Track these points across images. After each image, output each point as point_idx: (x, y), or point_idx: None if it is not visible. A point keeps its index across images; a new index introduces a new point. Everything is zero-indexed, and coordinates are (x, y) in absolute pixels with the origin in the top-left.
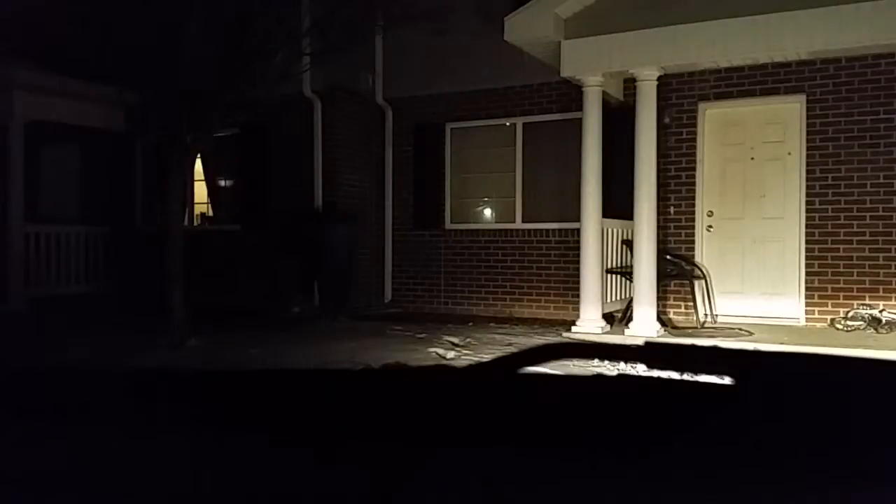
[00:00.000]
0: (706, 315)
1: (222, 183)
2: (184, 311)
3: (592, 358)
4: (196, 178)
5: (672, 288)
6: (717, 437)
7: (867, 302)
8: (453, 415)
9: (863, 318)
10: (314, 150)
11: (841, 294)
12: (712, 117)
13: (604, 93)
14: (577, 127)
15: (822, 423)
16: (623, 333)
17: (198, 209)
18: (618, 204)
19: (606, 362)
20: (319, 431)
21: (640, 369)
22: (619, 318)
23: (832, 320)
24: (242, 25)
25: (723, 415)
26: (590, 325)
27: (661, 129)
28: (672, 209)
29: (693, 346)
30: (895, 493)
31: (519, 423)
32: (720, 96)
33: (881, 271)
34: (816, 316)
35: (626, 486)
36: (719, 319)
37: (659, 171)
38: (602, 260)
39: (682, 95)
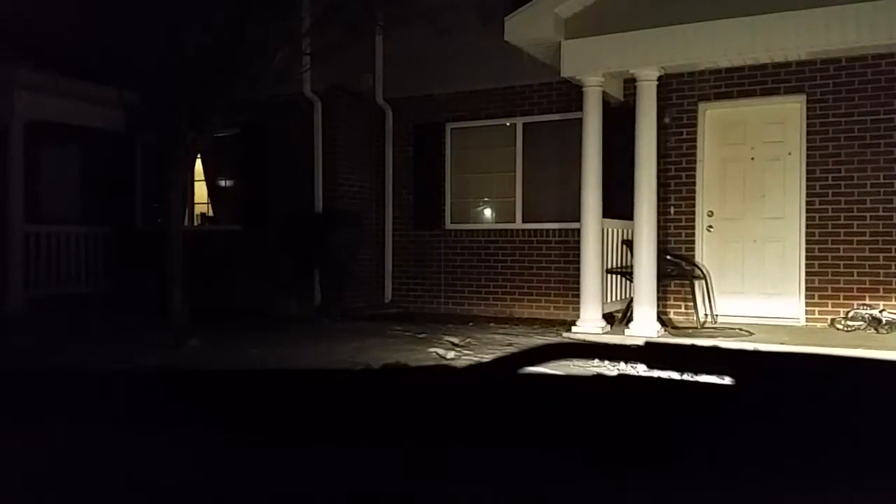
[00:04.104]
0: (706, 315)
1: (222, 183)
2: (184, 311)
3: (592, 358)
4: (196, 178)
5: (672, 288)
6: (717, 437)
7: (867, 302)
8: (454, 415)
9: (863, 319)
10: (314, 149)
11: (841, 294)
12: (712, 117)
13: (604, 93)
14: (577, 127)
15: (823, 423)
16: (623, 333)
17: (198, 209)
18: (618, 204)
19: (606, 362)
20: (320, 431)
21: (641, 369)
22: (619, 318)
23: (832, 320)
24: (242, 25)
25: (723, 415)
26: (590, 325)
27: (661, 129)
28: (672, 209)
29: (693, 347)
30: None
31: (519, 422)
32: (720, 96)
33: (881, 271)
34: (816, 316)
35: (626, 485)
36: (719, 319)
37: (659, 171)
38: (602, 260)
39: (682, 95)
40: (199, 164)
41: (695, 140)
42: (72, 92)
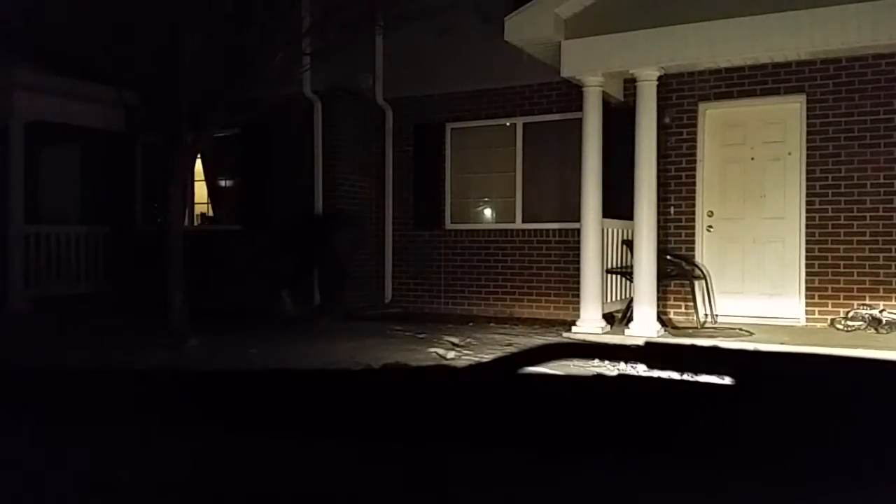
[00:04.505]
0: (706, 315)
1: (222, 183)
2: (184, 311)
3: (592, 358)
4: (196, 178)
5: (672, 288)
6: (716, 438)
7: (867, 302)
8: (454, 415)
9: (863, 319)
10: (314, 150)
11: (841, 294)
12: (712, 117)
13: (604, 93)
14: (577, 127)
15: (823, 423)
16: (623, 333)
17: (198, 209)
18: (618, 204)
19: (606, 362)
20: (320, 431)
21: (641, 369)
22: (619, 318)
23: (832, 320)
24: (242, 25)
25: (723, 415)
26: (590, 325)
27: (661, 129)
28: (672, 209)
29: (693, 347)
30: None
31: (519, 423)
32: (720, 96)
33: (881, 271)
34: (817, 316)
35: (625, 485)
36: (719, 319)
37: (659, 171)
38: (602, 260)
39: (682, 95)
40: (199, 164)
41: (695, 140)
42: (72, 92)
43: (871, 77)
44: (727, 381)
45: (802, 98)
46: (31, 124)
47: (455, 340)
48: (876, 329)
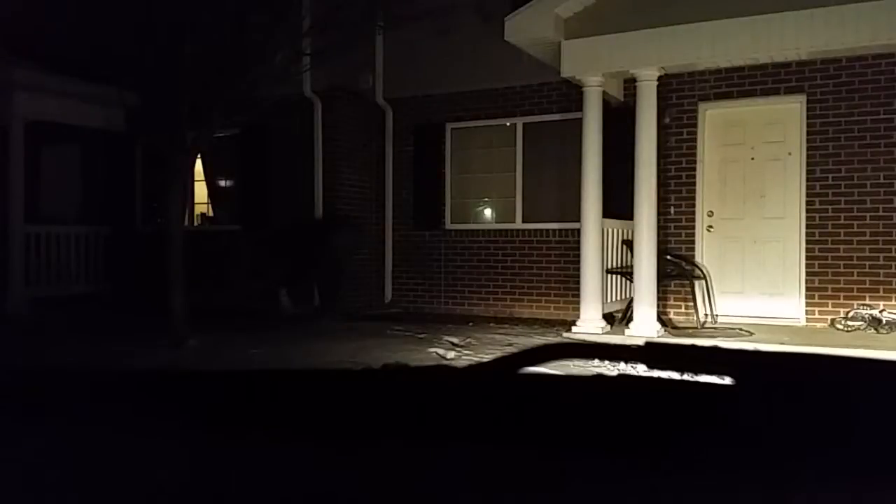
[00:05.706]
0: (706, 315)
1: (222, 183)
2: (184, 311)
3: (592, 358)
4: (196, 178)
5: (672, 288)
6: (716, 438)
7: (867, 302)
8: (454, 415)
9: (863, 319)
10: (314, 150)
11: (841, 294)
12: (712, 117)
13: (604, 93)
14: (577, 127)
15: (823, 423)
16: (623, 333)
17: (198, 209)
18: (618, 204)
19: (606, 362)
20: (320, 431)
21: (641, 369)
22: (619, 318)
23: (832, 320)
24: (243, 25)
25: (723, 415)
26: (590, 325)
27: (662, 129)
28: (672, 209)
29: (693, 347)
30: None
31: (519, 423)
32: (720, 96)
33: (881, 271)
34: (817, 316)
35: (625, 486)
36: (719, 319)
37: (659, 171)
38: (602, 260)
39: (682, 95)
40: (199, 164)
41: (695, 140)
42: (71, 92)
43: (871, 77)
44: (727, 381)
45: (802, 98)
46: (31, 124)
47: (455, 340)
48: (876, 329)
